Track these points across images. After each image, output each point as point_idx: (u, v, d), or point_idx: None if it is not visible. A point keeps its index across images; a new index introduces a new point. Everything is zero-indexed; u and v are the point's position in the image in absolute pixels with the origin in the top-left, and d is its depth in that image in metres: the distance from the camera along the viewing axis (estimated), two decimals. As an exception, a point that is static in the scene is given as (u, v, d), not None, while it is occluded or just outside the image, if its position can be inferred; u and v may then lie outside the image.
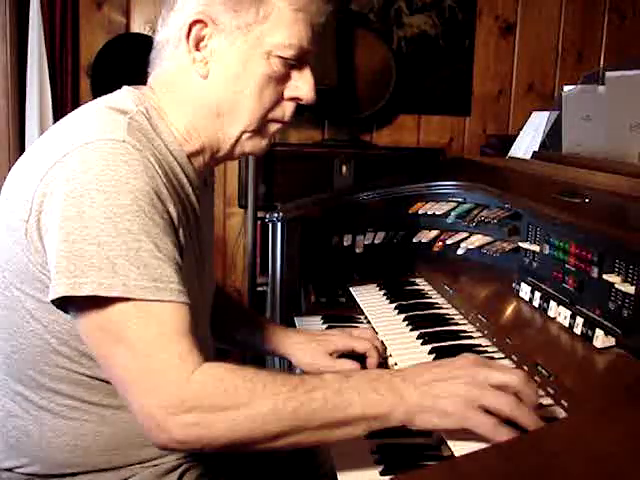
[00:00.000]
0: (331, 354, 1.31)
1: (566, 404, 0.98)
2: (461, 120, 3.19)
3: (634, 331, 1.01)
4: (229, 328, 1.40)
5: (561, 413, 0.98)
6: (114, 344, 0.90)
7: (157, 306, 0.90)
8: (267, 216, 1.78)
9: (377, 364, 1.29)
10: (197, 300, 1.08)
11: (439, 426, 0.91)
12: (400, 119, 3.14)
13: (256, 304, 2.78)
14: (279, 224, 1.73)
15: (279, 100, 1.08)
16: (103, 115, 0.99)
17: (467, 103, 3.17)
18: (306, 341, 1.34)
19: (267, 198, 2.78)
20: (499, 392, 0.90)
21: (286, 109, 1.10)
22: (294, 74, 1.08)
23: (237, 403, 0.88)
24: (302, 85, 1.08)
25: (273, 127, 1.11)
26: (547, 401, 1.02)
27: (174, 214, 0.98)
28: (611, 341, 1.05)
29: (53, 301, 0.92)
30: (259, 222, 2.78)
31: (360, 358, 1.30)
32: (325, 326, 1.54)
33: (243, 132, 1.08)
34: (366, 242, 1.83)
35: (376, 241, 1.83)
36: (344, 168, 2.77)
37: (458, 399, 0.89)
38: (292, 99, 1.09)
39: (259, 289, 2.82)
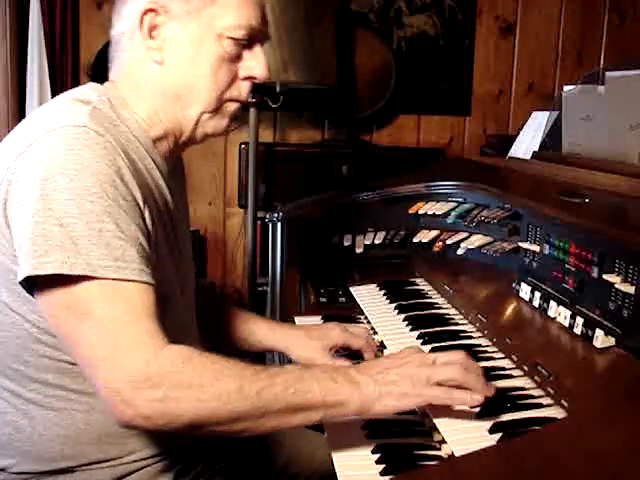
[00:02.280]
0: (330, 349, 1.34)
1: (566, 404, 0.97)
2: (461, 120, 3.18)
3: (634, 331, 1.01)
4: (226, 329, 1.40)
5: (561, 413, 0.98)
6: (80, 322, 0.91)
7: (120, 285, 0.92)
8: (267, 216, 1.78)
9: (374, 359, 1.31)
10: (172, 284, 1.11)
11: (398, 408, 0.97)
12: (400, 119, 3.13)
13: (256, 304, 2.77)
14: (279, 224, 1.74)
15: (234, 80, 1.11)
16: (66, 105, 1.02)
17: (467, 103, 3.16)
18: (305, 336, 1.36)
19: (267, 198, 2.77)
20: (446, 365, 0.99)
21: (242, 88, 1.13)
22: (246, 54, 1.11)
23: (203, 381, 0.90)
24: (255, 64, 1.11)
25: (231, 106, 1.13)
26: (547, 401, 1.02)
27: (139, 197, 0.99)
28: (611, 341, 1.05)
29: (22, 284, 0.93)
30: (259, 222, 2.77)
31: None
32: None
33: (202, 113, 1.11)
34: (366, 242, 1.83)
35: (376, 241, 1.83)
36: (344, 168, 2.76)
37: (412, 379, 0.97)
38: (247, 78, 1.12)
39: (259, 289, 2.81)
